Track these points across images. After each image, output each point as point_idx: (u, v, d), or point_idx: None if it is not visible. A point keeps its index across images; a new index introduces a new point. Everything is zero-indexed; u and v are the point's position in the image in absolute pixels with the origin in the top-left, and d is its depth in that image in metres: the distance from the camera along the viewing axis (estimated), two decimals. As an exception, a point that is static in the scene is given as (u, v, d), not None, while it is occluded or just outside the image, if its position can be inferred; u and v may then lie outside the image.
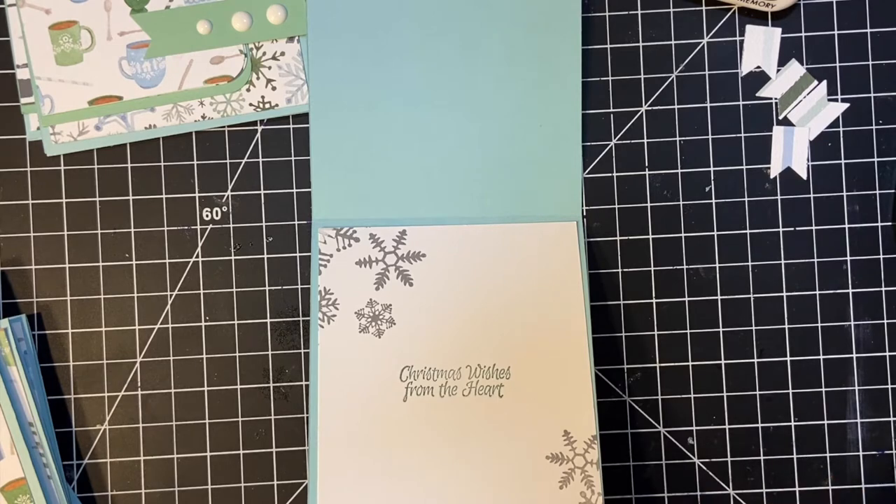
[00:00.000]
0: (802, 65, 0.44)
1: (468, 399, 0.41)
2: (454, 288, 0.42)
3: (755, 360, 0.43)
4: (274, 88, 0.43)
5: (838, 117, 0.44)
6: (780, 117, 0.44)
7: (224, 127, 0.43)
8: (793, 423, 0.43)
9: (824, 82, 0.44)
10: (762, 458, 0.43)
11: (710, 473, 0.43)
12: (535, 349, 0.42)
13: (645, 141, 0.44)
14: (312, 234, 0.42)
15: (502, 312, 0.42)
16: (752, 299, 0.43)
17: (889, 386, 0.43)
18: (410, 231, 0.42)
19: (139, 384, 0.43)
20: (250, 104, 0.43)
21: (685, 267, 0.43)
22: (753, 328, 0.43)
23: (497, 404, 0.41)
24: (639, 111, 0.44)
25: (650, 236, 0.43)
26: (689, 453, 0.43)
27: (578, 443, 0.41)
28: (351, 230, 0.42)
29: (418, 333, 0.42)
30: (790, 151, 0.44)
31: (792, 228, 0.43)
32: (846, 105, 0.44)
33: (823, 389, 0.43)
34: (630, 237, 0.43)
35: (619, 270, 0.43)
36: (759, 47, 0.44)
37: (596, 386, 0.43)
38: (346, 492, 0.41)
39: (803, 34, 0.44)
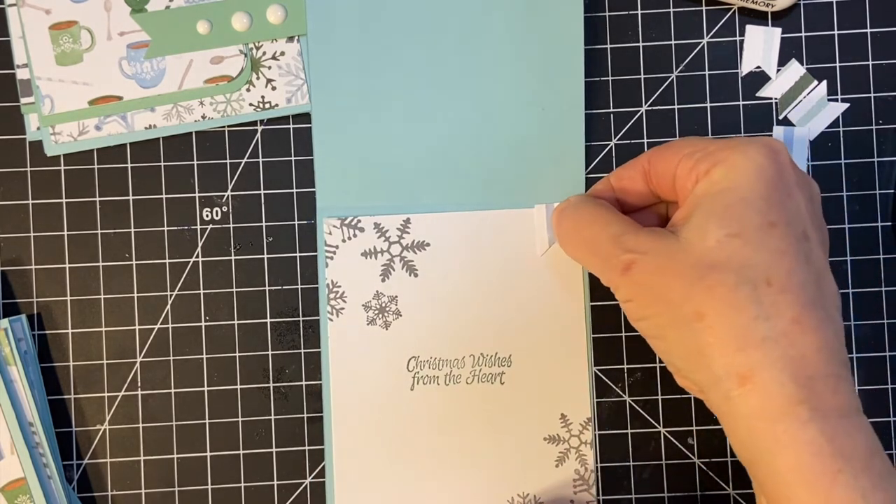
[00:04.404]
0: (802, 65, 0.44)
1: (471, 387, 0.43)
2: (457, 277, 0.42)
3: (755, 360, 0.43)
4: (274, 88, 0.43)
5: (838, 117, 0.44)
6: (780, 117, 0.44)
7: (224, 127, 0.43)
8: (793, 423, 0.43)
9: (824, 82, 0.44)
10: (762, 458, 0.43)
11: (710, 473, 0.43)
12: (535, 337, 0.42)
13: (645, 141, 0.44)
14: (318, 225, 0.43)
15: (504, 300, 0.42)
16: (752, 299, 0.43)
17: (889, 386, 0.43)
18: (414, 219, 0.42)
19: (139, 384, 0.43)
20: (250, 104, 0.43)
21: (685, 267, 0.43)
22: (753, 328, 0.43)
23: (498, 391, 0.43)
24: (639, 111, 0.44)
25: (650, 236, 0.43)
26: (689, 453, 0.43)
27: (574, 424, 0.43)
28: (355, 219, 0.42)
29: (424, 324, 0.42)
30: (790, 151, 0.43)
31: (792, 228, 0.43)
32: (846, 105, 0.44)
33: (823, 389, 0.43)
34: (630, 237, 0.43)
35: (619, 270, 0.43)
36: (759, 47, 0.44)
37: (596, 386, 0.43)
38: (360, 475, 0.42)
39: (803, 34, 0.44)
